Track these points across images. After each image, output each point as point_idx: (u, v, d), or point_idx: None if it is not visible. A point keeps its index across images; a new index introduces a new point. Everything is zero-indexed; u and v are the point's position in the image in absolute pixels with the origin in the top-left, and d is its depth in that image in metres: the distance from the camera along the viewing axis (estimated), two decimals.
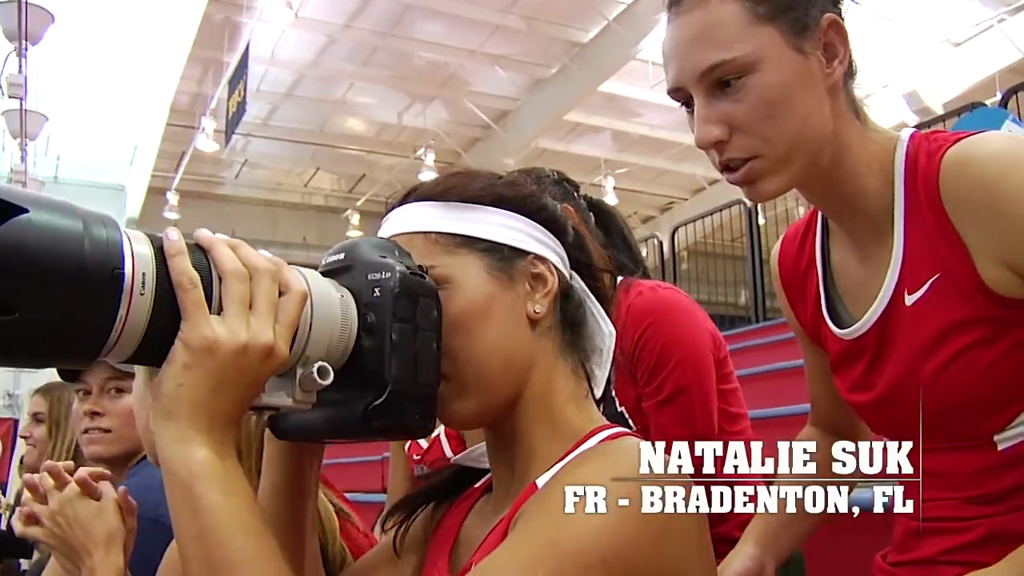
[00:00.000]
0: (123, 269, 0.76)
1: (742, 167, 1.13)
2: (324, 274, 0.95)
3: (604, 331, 1.06)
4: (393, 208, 1.08)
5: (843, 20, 1.15)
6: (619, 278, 2.04)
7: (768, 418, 3.18)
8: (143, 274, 0.77)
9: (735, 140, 1.12)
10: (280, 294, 0.85)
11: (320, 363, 0.87)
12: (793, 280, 1.36)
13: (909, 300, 1.14)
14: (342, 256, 0.96)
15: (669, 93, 1.18)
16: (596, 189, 14.17)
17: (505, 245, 1.00)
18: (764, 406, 3.46)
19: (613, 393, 1.48)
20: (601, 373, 1.06)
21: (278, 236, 16.52)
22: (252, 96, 11.29)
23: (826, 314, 1.28)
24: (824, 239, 1.30)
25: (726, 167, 1.15)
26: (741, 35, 1.10)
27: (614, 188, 14.76)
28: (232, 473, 0.81)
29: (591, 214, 2.12)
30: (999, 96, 7.29)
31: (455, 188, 1.03)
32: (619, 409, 1.91)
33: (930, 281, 1.12)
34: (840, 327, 1.25)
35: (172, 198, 14.71)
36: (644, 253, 2.11)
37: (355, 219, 16.27)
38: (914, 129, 1.19)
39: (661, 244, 10.56)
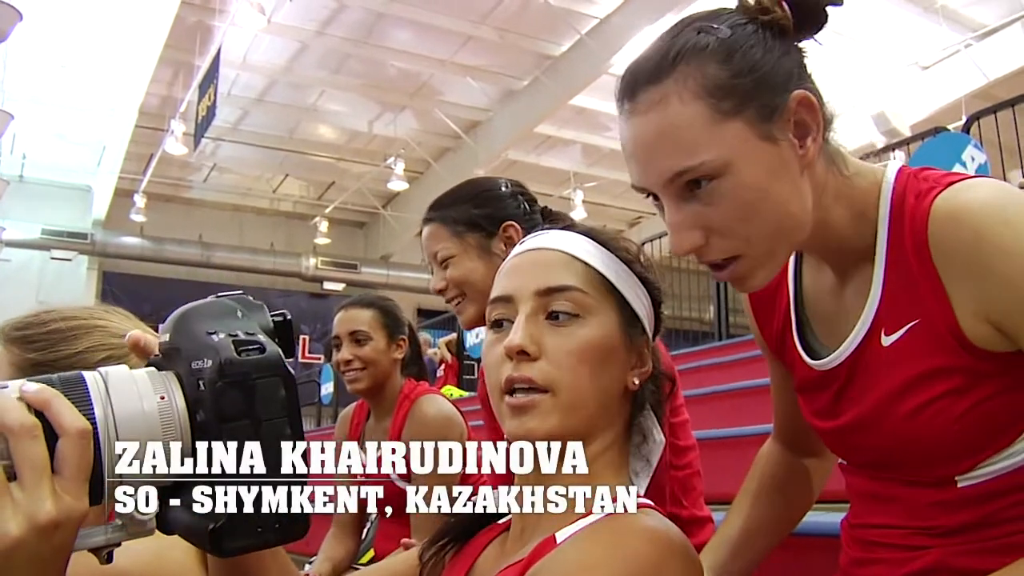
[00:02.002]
0: None
1: (726, 267, 1.08)
2: (152, 363, 0.81)
3: (655, 440, 1.12)
4: (550, 230, 1.13)
5: (812, 91, 1.07)
6: None
7: (729, 438, 3.17)
8: None
9: (713, 243, 1.06)
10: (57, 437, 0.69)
11: (142, 490, 0.73)
12: (762, 296, 1.32)
13: (886, 341, 1.11)
14: (167, 336, 0.80)
15: (633, 187, 1.12)
16: (565, 202, 14.22)
17: (635, 312, 1.08)
18: (726, 425, 3.46)
19: None
20: (643, 477, 1.12)
21: (246, 242, 16.46)
22: (222, 100, 11.24)
23: (796, 338, 1.26)
24: (797, 258, 1.27)
25: (709, 265, 1.10)
26: (706, 137, 1.02)
27: (583, 201, 14.81)
28: None
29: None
30: (964, 120, 7.39)
31: (619, 245, 1.12)
32: None
33: (909, 325, 1.09)
34: (810, 353, 1.23)
35: (139, 200, 14.61)
36: None
37: (323, 226, 16.22)
38: (901, 165, 1.15)
39: None
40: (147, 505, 0.73)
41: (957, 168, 5.55)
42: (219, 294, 0.85)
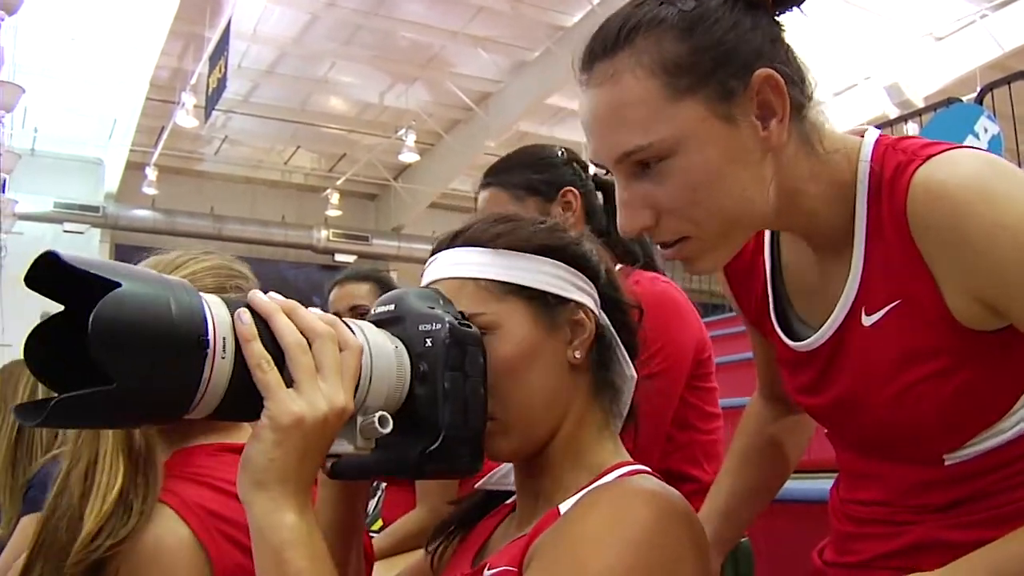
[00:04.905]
0: (207, 336, 0.81)
1: (674, 247, 1.07)
2: (375, 324, 1.00)
3: (627, 374, 1.14)
4: (441, 250, 1.12)
5: (781, 71, 1.02)
6: (618, 266, 2.06)
7: (742, 407, 3.18)
8: (223, 339, 0.83)
9: (663, 223, 1.05)
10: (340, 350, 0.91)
11: (380, 412, 0.93)
12: (737, 269, 1.28)
13: (867, 321, 1.08)
14: (392, 307, 1.02)
15: (590, 162, 1.11)
16: None
17: (550, 294, 1.07)
18: (738, 394, 3.47)
19: None
20: (621, 413, 1.14)
21: (257, 214, 16.46)
22: (233, 72, 11.21)
23: (773, 315, 1.23)
24: (774, 232, 1.24)
25: (660, 245, 1.09)
26: (658, 116, 0.99)
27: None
28: (316, 538, 0.88)
29: (599, 194, 2.12)
30: (978, 90, 7.33)
31: (503, 235, 1.09)
32: None
33: (891, 305, 1.06)
34: (789, 332, 1.21)
35: (151, 173, 14.61)
36: None
37: (334, 198, 16.22)
38: (879, 133, 1.10)
39: None
40: (383, 426, 0.93)
41: (970, 140, 5.52)
42: (425, 285, 1.09)
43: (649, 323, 1.89)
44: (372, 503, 2.62)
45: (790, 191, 1.06)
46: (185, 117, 11.91)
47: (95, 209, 14.84)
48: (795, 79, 1.05)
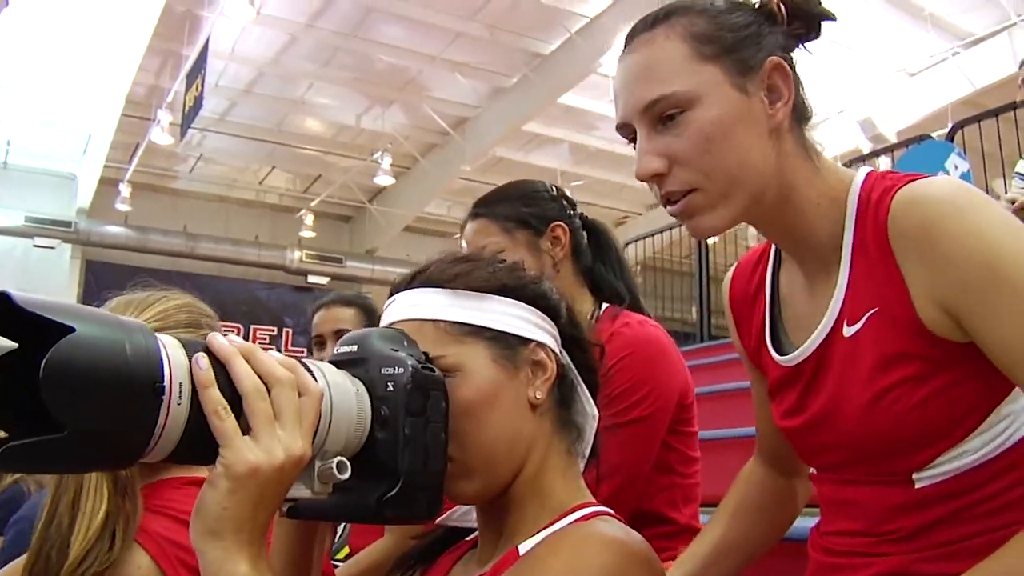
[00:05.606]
0: (163, 382, 0.80)
1: (681, 200, 1.15)
2: (337, 365, 1.00)
3: (588, 413, 1.15)
4: (400, 291, 1.13)
5: (790, 64, 1.18)
6: (604, 305, 2.08)
7: (709, 440, 3.17)
8: (180, 384, 0.82)
9: (674, 173, 1.14)
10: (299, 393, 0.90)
11: (339, 458, 0.93)
12: (742, 305, 1.38)
13: (847, 332, 1.15)
14: (355, 348, 1.01)
15: (617, 129, 1.21)
16: None
17: (511, 334, 1.08)
18: (706, 428, 3.48)
19: None
20: (583, 453, 1.15)
21: (231, 233, 16.40)
22: (210, 91, 11.21)
23: (768, 340, 1.30)
24: (775, 269, 1.32)
25: (667, 200, 1.17)
26: (683, 71, 1.13)
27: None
28: None
29: (584, 233, 2.16)
30: (949, 127, 7.43)
31: (461, 276, 1.10)
32: None
33: (868, 314, 1.13)
34: (781, 355, 1.27)
35: (124, 190, 14.52)
36: None
37: (309, 219, 16.18)
38: (871, 169, 1.20)
39: None
40: (341, 472, 0.92)
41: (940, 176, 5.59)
42: (385, 326, 1.09)
43: (636, 368, 1.91)
44: (340, 528, 2.61)
45: (789, 185, 1.17)
46: (160, 134, 11.87)
47: (67, 224, 14.72)
48: (799, 83, 1.18)
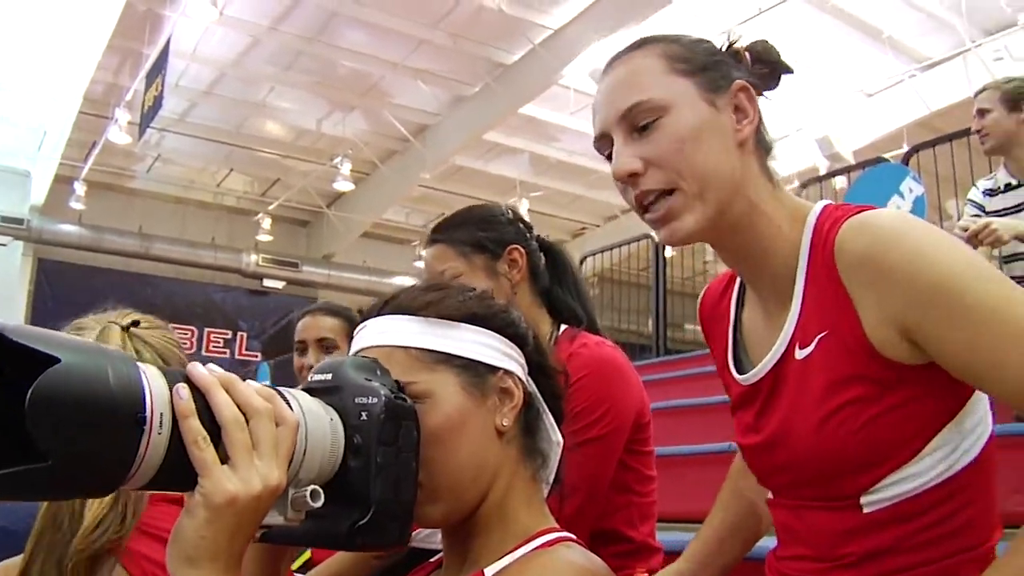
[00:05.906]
0: (144, 412, 0.81)
1: (660, 203, 1.20)
2: (312, 392, 1.02)
3: (553, 440, 1.17)
4: (371, 318, 1.14)
5: (754, 90, 1.26)
6: (562, 327, 2.10)
7: (665, 456, 3.18)
8: (161, 414, 0.83)
9: (650, 173, 1.20)
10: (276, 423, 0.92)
11: (312, 487, 0.94)
12: (710, 323, 1.44)
13: (799, 354, 1.20)
14: (329, 376, 1.03)
15: (595, 144, 1.28)
16: None
17: (480, 362, 1.10)
18: (661, 444, 3.50)
19: None
20: (548, 479, 1.17)
21: (187, 235, 16.26)
22: (170, 91, 11.11)
23: (731, 359, 1.36)
24: (741, 291, 1.38)
25: (643, 207, 1.22)
26: (659, 82, 1.22)
27: (528, 210, 14.83)
28: None
29: (542, 255, 2.18)
30: (905, 148, 7.54)
31: (432, 304, 1.12)
32: None
33: (819, 337, 1.18)
34: (740, 374, 1.31)
35: (79, 188, 14.34)
36: None
37: (266, 223, 16.08)
38: (829, 202, 1.25)
39: None
40: (314, 500, 0.93)
41: (895, 199, 5.68)
42: (356, 354, 1.11)
43: (594, 387, 1.94)
44: None
45: (752, 203, 1.23)
46: (118, 133, 11.73)
47: (19, 221, 14.50)
48: (762, 117, 1.26)
